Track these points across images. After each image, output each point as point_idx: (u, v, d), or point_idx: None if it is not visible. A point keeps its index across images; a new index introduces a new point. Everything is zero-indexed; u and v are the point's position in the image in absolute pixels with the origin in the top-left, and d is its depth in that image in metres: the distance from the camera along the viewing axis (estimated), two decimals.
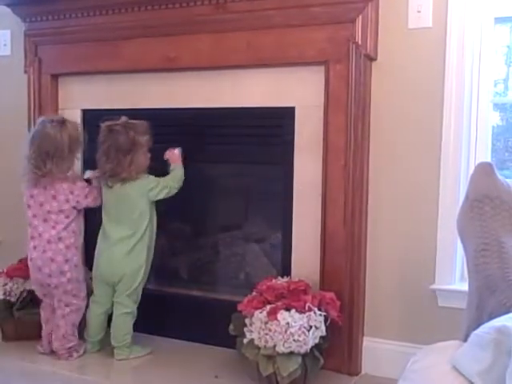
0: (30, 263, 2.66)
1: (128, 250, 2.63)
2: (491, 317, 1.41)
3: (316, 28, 2.50)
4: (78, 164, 2.85)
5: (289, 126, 2.62)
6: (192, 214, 2.68)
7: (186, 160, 2.69)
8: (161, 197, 2.64)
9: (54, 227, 2.63)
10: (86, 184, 2.70)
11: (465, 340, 1.41)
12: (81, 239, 2.78)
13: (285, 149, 2.64)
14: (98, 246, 2.73)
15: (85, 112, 3.09)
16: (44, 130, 2.64)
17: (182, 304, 2.67)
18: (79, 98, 3.12)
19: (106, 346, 2.73)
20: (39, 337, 2.77)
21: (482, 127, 2.43)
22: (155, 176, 2.65)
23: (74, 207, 2.66)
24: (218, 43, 2.68)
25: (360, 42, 2.43)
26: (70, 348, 2.67)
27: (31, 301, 2.83)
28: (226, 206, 2.70)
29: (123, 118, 2.63)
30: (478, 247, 1.55)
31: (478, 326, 1.33)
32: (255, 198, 2.84)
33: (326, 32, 2.48)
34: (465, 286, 2.13)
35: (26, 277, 2.80)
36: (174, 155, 2.69)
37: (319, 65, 2.52)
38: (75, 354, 2.67)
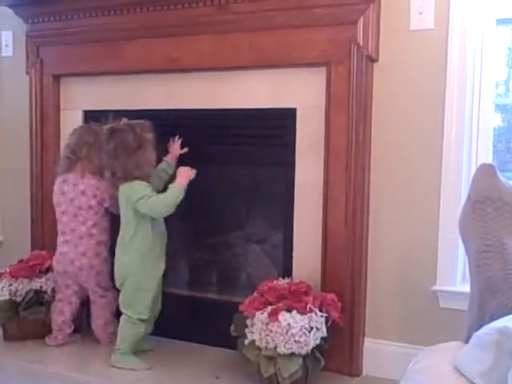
0: (59, 257, 2.79)
1: (121, 256, 2.63)
2: (493, 318, 1.41)
3: (318, 29, 2.50)
4: None
5: (290, 126, 2.62)
6: (192, 214, 2.68)
7: (188, 160, 2.66)
8: (141, 211, 2.53)
9: (83, 223, 2.75)
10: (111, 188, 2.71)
11: (466, 341, 1.41)
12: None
13: (286, 150, 2.64)
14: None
15: (86, 113, 3.09)
16: (89, 126, 2.84)
17: (182, 305, 2.67)
18: (81, 98, 3.13)
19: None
20: (42, 336, 2.83)
21: (483, 128, 2.43)
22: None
23: (100, 204, 2.74)
24: (220, 44, 2.69)
25: (362, 44, 2.43)
26: (111, 334, 2.79)
27: (37, 301, 2.85)
28: (227, 206, 2.70)
29: (124, 120, 2.61)
30: (479, 248, 1.55)
31: (480, 327, 1.33)
32: (256, 198, 2.84)
33: (327, 33, 2.48)
34: (466, 288, 2.13)
35: (31, 277, 2.86)
36: (184, 173, 2.56)
37: (321, 66, 2.53)
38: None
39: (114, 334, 2.73)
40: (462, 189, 2.38)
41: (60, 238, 2.80)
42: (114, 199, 2.69)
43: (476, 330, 1.32)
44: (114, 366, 2.59)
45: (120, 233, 2.64)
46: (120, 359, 2.59)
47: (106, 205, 2.76)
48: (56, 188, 2.82)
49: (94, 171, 2.76)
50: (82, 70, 3.06)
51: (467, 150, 2.41)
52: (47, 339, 2.83)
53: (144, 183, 2.55)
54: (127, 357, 2.60)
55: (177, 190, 2.51)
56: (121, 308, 2.65)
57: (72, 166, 2.78)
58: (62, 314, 2.82)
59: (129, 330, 2.62)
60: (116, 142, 2.55)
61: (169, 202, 2.51)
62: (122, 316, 2.64)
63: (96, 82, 3.06)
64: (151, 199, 2.50)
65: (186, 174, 2.55)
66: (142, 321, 2.62)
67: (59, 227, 2.81)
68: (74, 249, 2.75)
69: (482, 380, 1.21)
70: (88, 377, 2.52)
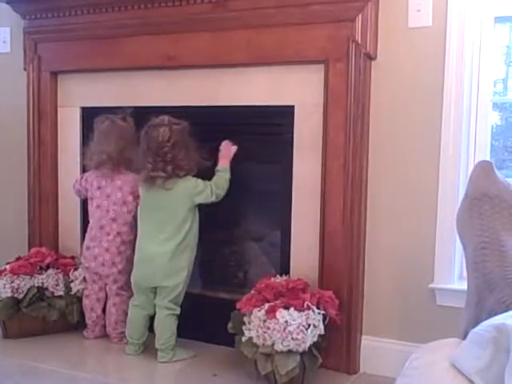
0: (85, 252, 2.85)
1: (172, 253, 2.59)
2: (490, 315, 1.41)
3: (316, 27, 2.50)
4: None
5: (288, 124, 2.63)
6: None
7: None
8: (206, 201, 2.61)
9: (114, 219, 2.79)
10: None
11: (463, 338, 1.41)
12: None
13: (284, 147, 2.64)
14: (137, 251, 2.70)
15: (84, 110, 3.09)
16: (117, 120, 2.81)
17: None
18: (78, 95, 3.12)
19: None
20: (43, 333, 2.88)
21: (481, 126, 2.44)
22: None
23: (135, 200, 2.76)
24: (218, 41, 2.69)
25: (360, 41, 2.43)
26: (121, 333, 2.81)
27: (38, 297, 2.86)
28: (225, 203, 2.69)
29: (162, 117, 2.60)
30: (477, 246, 1.55)
31: (477, 323, 1.33)
32: (254, 196, 2.84)
33: (325, 31, 2.49)
34: (463, 285, 2.13)
35: (32, 273, 2.87)
36: (228, 149, 2.66)
37: (319, 63, 2.53)
38: (125, 340, 2.76)
39: (124, 333, 2.76)
40: (459, 187, 2.38)
41: (88, 234, 2.86)
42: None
43: (473, 327, 1.32)
44: (165, 362, 2.61)
45: (155, 238, 2.62)
46: (172, 354, 2.63)
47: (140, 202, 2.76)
48: (91, 182, 2.82)
49: (130, 167, 2.78)
50: (80, 67, 3.05)
51: (465, 147, 2.42)
52: (85, 333, 2.90)
53: (198, 178, 2.62)
54: (177, 350, 2.65)
55: (224, 173, 2.63)
56: (168, 306, 2.62)
57: (107, 161, 2.77)
58: (93, 310, 2.89)
59: (174, 325, 2.64)
60: (176, 139, 2.55)
61: (224, 185, 2.62)
62: (166, 314, 2.62)
63: (94, 79, 3.05)
64: (211, 188, 2.60)
65: (226, 154, 2.65)
66: None
67: (90, 222, 2.86)
68: (98, 244, 2.81)
69: (479, 377, 1.21)
70: (87, 374, 2.52)
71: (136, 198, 2.76)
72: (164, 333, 2.62)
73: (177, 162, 2.55)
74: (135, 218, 2.76)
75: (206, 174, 2.62)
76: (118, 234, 2.80)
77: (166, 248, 2.59)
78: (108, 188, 2.80)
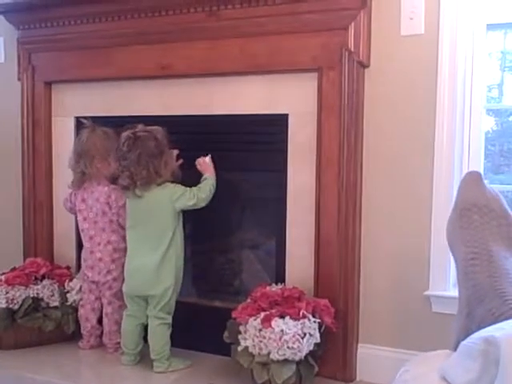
0: (82, 262, 2.89)
1: (157, 263, 2.58)
2: (480, 326, 1.41)
3: (309, 35, 2.50)
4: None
5: (282, 132, 2.62)
6: (184, 220, 2.67)
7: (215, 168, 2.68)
8: (186, 207, 2.60)
9: (102, 229, 2.80)
10: (124, 197, 2.72)
11: (455, 349, 1.41)
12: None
13: (278, 156, 2.64)
14: (126, 261, 2.71)
15: (78, 119, 3.09)
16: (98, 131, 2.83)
17: (175, 311, 2.66)
18: (72, 105, 3.12)
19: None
20: (39, 344, 2.87)
21: (475, 133, 2.43)
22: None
23: (113, 211, 2.78)
24: (211, 50, 2.68)
25: (353, 49, 2.43)
26: (116, 343, 2.81)
27: (34, 308, 2.85)
28: (219, 212, 2.69)
29: (141, 126, 2.61)
30: (466, 256, 1.55)
31: (467, 335, 1.33)
32: (249, 204, 2.84)
33: (318, 39, 2.48)
34: None
35: (27, 284, 2.87)
36: (204, 163, 2.67)
37: (312, 72, 2.52)
38: (120, 350, 2.76)
39: (120, 343, 2.76)
40: (453, 194, 2.33)
41: (84, 246, 2.87)
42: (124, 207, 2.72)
43: (464, 338, 1.32)
44: (161, 372, 2.60)
45: (142, 247, 2.63)
46: (168, 364, 2.62)
47: (115, 211, 2.78)
48: (78, 195, 2.85)
49: (108, 177, 2.80)
50: (74, 77, 3.05)
51: (459, 154, 2.41)
52: (80, 343, 2.89)
53: (177, 184, 2.62)
54: (172, 360, 2.64)
55: (211, 180, 2.63)
56: (158, 315, 2.61)
57: (88, 174, 2.80)
58: (88, 320, 2.88)
59: (166, 334, 2.63)
60: (140, 150, 2.55)
61: (207, 188, 2.61)
62: (158, 323, 2.61)
63: (88, 89, 3.05)
64: (193, 191, 2.59)
65: (205, 167, 2.66)
66: None
67: (81, 234, 2.88)
68: (91, 255, 2.82)
69: None
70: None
71: (116, 207, 2.77)
72: (157, 343, 2.62)
73: (149, 169, 2.55)
74: (123, 225, 2.77)
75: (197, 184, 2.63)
76: (108, 242, 2.81)
77: (151, 258, 2.59)
78: (90, 200, 2.82)
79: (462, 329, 1.52)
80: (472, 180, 1.63)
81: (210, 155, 2.67)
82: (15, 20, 3.15)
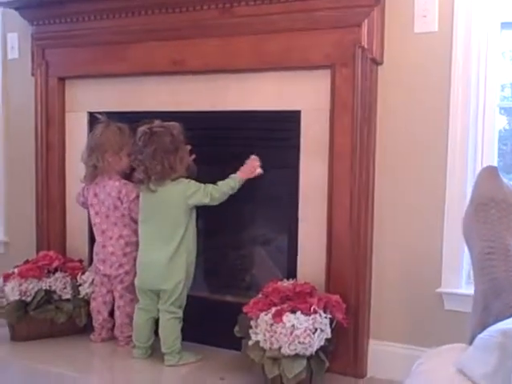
0: (94, 256, 2.90)
1: (168, 258, 2.60)
2: (497, 320, 1.41)
3: (322, 32, 2.50)
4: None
5: (295, 129, 2.63)
6: (197, 216, 2.69)
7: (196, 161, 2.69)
8: (200, 203, 2.61)
9: (114, 224, 2.81)
10: (135, 191, 2.76)
11: (470, 343, 1.41)
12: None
13: (291, 152, 2.65)
14: (138, 255, 2.73)
15: (91, 115, 3.10)
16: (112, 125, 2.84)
17: (186, 305, 2.68)
18: (86, 100, 3.14)
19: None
20: (51, 336, 2.89)
21: (488, 131, 2.43)
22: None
23: (124, 205, 2.79)
24: (224, 47, 2.70)
25: (366, 46, 2.44)
26: (128, 337, 2.82)
27: (46, 300, 2.88)
28: (232, 208, 2.70)
29: (157, 122, 2.63)
30: (483, 250, 1.55)
31: (484, 329, 1.33)
32: (261, 200, 2.85)
33: (332, 36, 2.49)
34: (471, 290, 2.12)
35: (40, 277, 2.89)
36: (251, 163, 2.63)
37: (325, 69, 2.53)
38: (132, 343, 2.77)
39: (131, 337, 2.77)
40: (467, 191, 2.36)
41: (96, 239, 2.89)
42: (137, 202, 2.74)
43: (480, 332, 1.32)
44: (172, 366, 2.62)
45: (154, 241, 2.65)
46: (179, 358, 2.64)
47: (126, 206, 2.79)
48: (90, 189, 2.87)
49: (119, 172, 2.83)
50: (87, 72, 3.07)
51: (472, 152, 2.41)
52: (92, 336, 2.92)
53: (191, 180, 2.63)
54: (183, 353, 2.66)
55: (233, 182, 2.60)
56: (169, 309, 2.63)
57: (99, 168, 2.82)
58: (99, 313, 2.91)
59: (177, 328, 2.65)
60: (156, 145, 2.57)
61: (224, 189, 2.60)
62: (169, 317, 2.64)
63: (101, 84, 3.07)
64: (208, 188, 2.59)
65: (248, 170, 2.63)
66: None
67: (94, 229, 2.90)
68: (103, 249, 2.84)
69: (485, 382, 1.21)
70: (94, 377, 2.54)
71: (127, 202, 2.78)
72: (168, 336, 2.63)
73: (164, 164, 2.57)
74: (135, 220, 2.79)
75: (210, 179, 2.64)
76: (120, 236, 2.82)
77: (163, 253, 2.61)
78: (102, 194, 2.84)
79: (478, 323, 1.52)
80: (489, 174, 1.63)
81: (260, 170, 2.63)
82: (29, 16, 3.17)
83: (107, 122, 2.84)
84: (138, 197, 2.75)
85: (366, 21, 2.43)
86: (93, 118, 3.05)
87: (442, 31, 2.40)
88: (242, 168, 2.64)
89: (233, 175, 2.63)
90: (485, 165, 2.34)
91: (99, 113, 2.91)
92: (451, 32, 2.38)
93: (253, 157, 2.65)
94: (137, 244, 2.78)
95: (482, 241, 1.57)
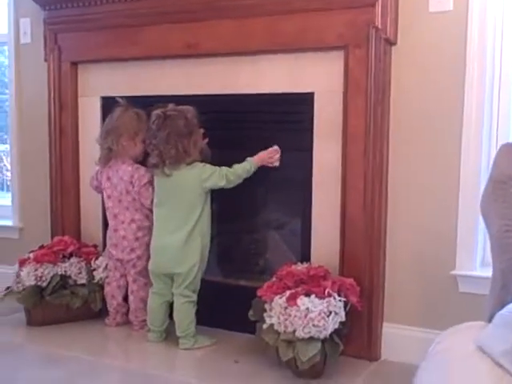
0: (107, 240, 2.92)
1: (183, 241, 2.60)
2: None
3: (335, 12, 2.48)
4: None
5: (308, 111, 2.62)
6: (212, 200, 2.69)
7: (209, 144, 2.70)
8: (216, 186, 2.61)
9: (126, 208, 2.82)
10: (147, 176, 2.76)
11: (489, 321, 1.40)
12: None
13: (304, 134, 2.63)
14: (152, 239, 2.74)
15: (104, 99, 3.10)
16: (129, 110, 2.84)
17: (201, 289, 2.68)
18: (99, 85, 3.14)
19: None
20: (66, 320, 2.91)
21: (503, 110, 2.41)
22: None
23: (135, 189, 2.79)
24: (238, 29, 2.67)
25: (380, 26, 2.41)
26: (142, 321, 2.84)
27: (61, 285, 2.90)
28: (245, 192, 2.70)
29: (171, 105, 2.62)
30: (501, 228, 1.54)
31: (502, 307, 1.33)
32: (274, 183, 2.84)
33: (345, 16, 2.47)
34: (486, 272, 2.12)
35: (55, 262, 2.91)
36: (270, 155, 2.64)
37: (339, 49, 2.51)
38: (146, 327, 2.79)
39: (146, 321, 2.79)
40: (481, 172, 2.36)
41: (109, 224, 2.90)
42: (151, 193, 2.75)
43: (499, 310, 1.31)
44: (187, 349, 2.63)
45: (168, 225, 2.65)
46: (193, 341, 2.66)
47: (136, 190, 2.79)
48: (103, 173, 2.87)
49: (133, 158, 2.83)
50: (100, 57, 3.06)
51: (487, 131, 2.39)
52: (106, 320, 2.94)
53: (207, 164, 2.63)
54: (198, 337, 2.67)
55: (249, 165, 2.62)
56: (184, 293, 2.64)
57: (114, 151, 2.82)
58: (114, 298, 2.92)
59: (192, 311, 2.67)
60: (169, 129, 2.57)
61: (240, 172, 2.61)
62: (183, 301, 2.65)
63: (114, 69, 3.07)
64: (223, 171, 2.60)
65: (266, 157, 2.64)
66: None
67: (106, 213, 2.91)
68: (116, 233, 2.85)
69: (505, 359, 1.20)
70: (109, 360, 2.55)
71: (138, 186, 2.78)
72: (183, 320, 2.64)
73: (178, 148, 2.56)
74: (144, 205, 2.80)
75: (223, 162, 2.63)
76: (132, 220, 2.82)
77: (177, 236, 2.61)
78: (114, 178, 2.83)
79: (497, 301, 1.51)
80: (508, 152, 1.61)
81: (278, 162, 2.65)
82: (41, 1, 3.16)
83: (126, 107, 2.83)
84: (149, 182, 2.76)
85: (379, 0, 2.40)
86: (105, 103, 3.05)
87: (457, 10, 2.37)
88: (260, 153, 2.64)
89: (249, 158, 2.63)
90: (500, 144, 2.32)
91: (112, 97, 2.90)
92: (466, 11, 2.35)
93: (275, 147, 2.65)
94: (149, 229, 2.79)
95: (499, 219, 1.55)
